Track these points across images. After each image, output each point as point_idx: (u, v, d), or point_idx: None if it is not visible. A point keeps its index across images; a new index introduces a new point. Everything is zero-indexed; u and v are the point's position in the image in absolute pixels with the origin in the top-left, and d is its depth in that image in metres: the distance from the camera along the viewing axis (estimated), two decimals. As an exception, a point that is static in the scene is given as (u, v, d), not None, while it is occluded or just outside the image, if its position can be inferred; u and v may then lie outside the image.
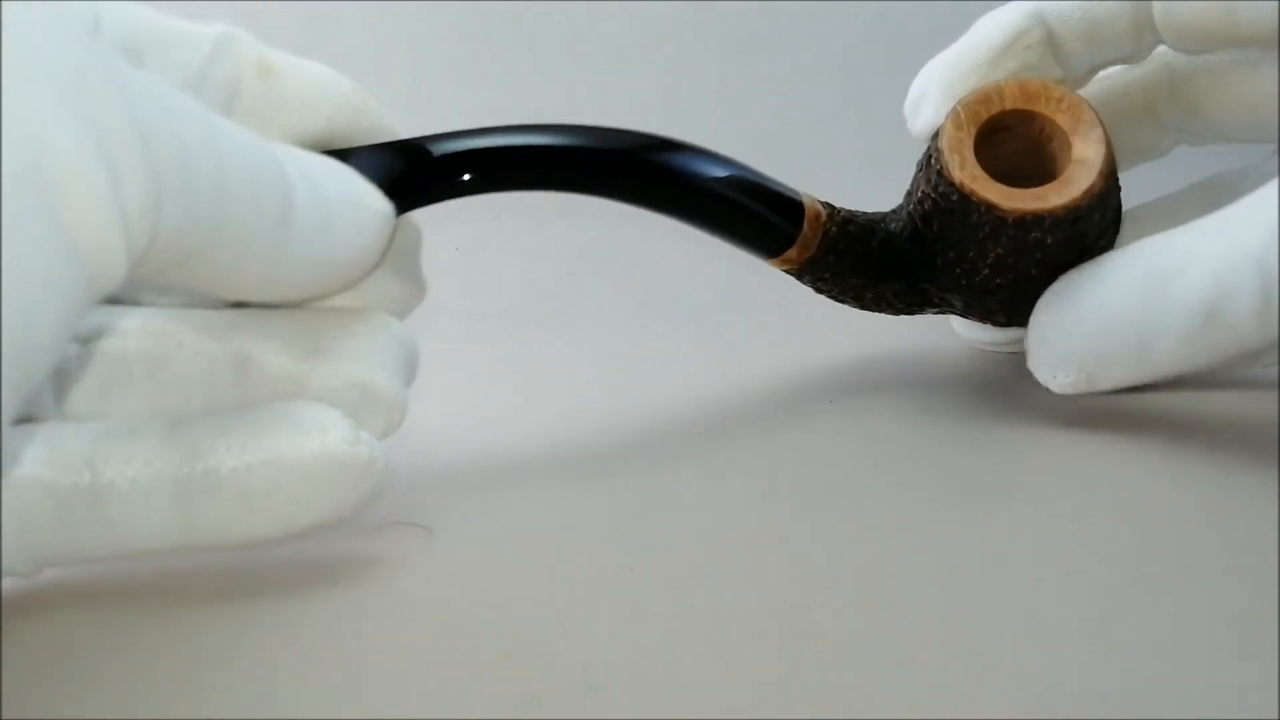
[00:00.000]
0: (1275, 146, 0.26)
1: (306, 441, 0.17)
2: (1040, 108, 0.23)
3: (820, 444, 0.25)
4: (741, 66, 0.44)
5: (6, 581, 0.18)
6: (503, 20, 0.44)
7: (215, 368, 0.19)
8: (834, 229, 0.25)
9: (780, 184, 0.24)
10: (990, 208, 0.23)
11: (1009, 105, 0.23)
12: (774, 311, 0.35)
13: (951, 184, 0.23)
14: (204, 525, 0.17)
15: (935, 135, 0.24)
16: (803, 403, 0.28)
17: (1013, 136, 0.24)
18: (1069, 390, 0.23)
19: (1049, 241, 0.23)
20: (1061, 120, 0.23)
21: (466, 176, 0.22)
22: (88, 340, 0.19)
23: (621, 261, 0.42)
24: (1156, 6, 0.23)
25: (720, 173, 0.23)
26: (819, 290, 0.26)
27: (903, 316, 0.28)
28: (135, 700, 0.16)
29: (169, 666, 0.17)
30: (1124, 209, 0.25)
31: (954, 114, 0.24)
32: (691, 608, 0.18)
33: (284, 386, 0.19)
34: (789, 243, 0.24)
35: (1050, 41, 0.24)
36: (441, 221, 0.44)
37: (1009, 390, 0.27)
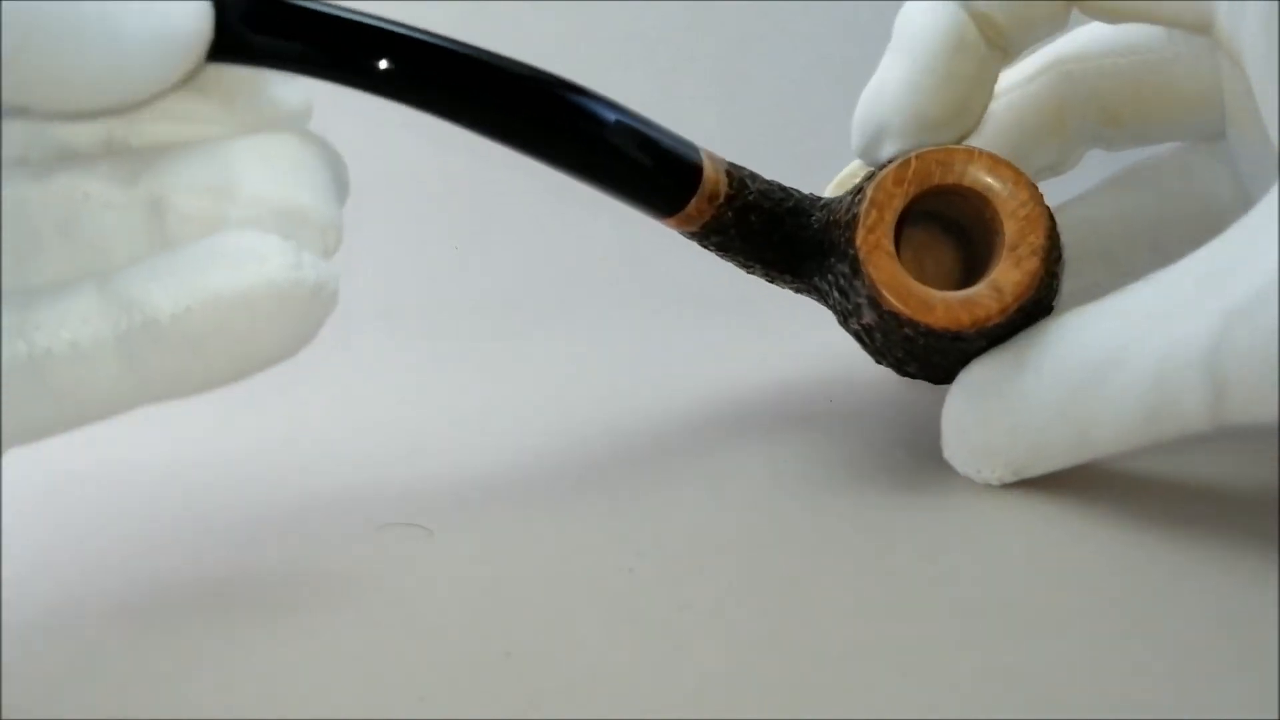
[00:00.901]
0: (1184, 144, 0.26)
1: (244, 274, 0.16)
2: (995, 204, 0.21)
3: (820, 444, 0.25)
4: (741, 66, 0.44)
5: (7, 580, 0.18)
6: (503, 20, 0.44)
7: (129, 218, 0.18)
8: (729, 213, 0.23)
9: (681, 144, 0.22)
10: (873, 286, 0.21)
11: (966, 184, 0.21)
12: (774, 311, 0.35)
13: (852, 240, 0.21)
14: (157, 378, 0.17)
15: (881, 167, 0.22)
16: (802, 402, 0.28)
17: (966, 204, 0.22)
18: (995, 483, 0.21)
19: (920, 344, 0.21)
20: (1009, 229, 0.21)
21: (294, 43, 0.18)
22: None
23: (622, 260, 0.42)
24: None
25: (610, 118, 0.21)
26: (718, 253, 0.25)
27: None
28: (135, 700, 0.16)
29: (169, 666, 0.17)
30: None
31: (904, 163, 0.21)
32: (691, 608, 0.18)
33: (205, 226, 0.17)
34: (675, 210, 0.22)
35: (987, 32, 0.22)
36: (442, 221, 0.44)
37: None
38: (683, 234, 0.24)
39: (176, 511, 0.23)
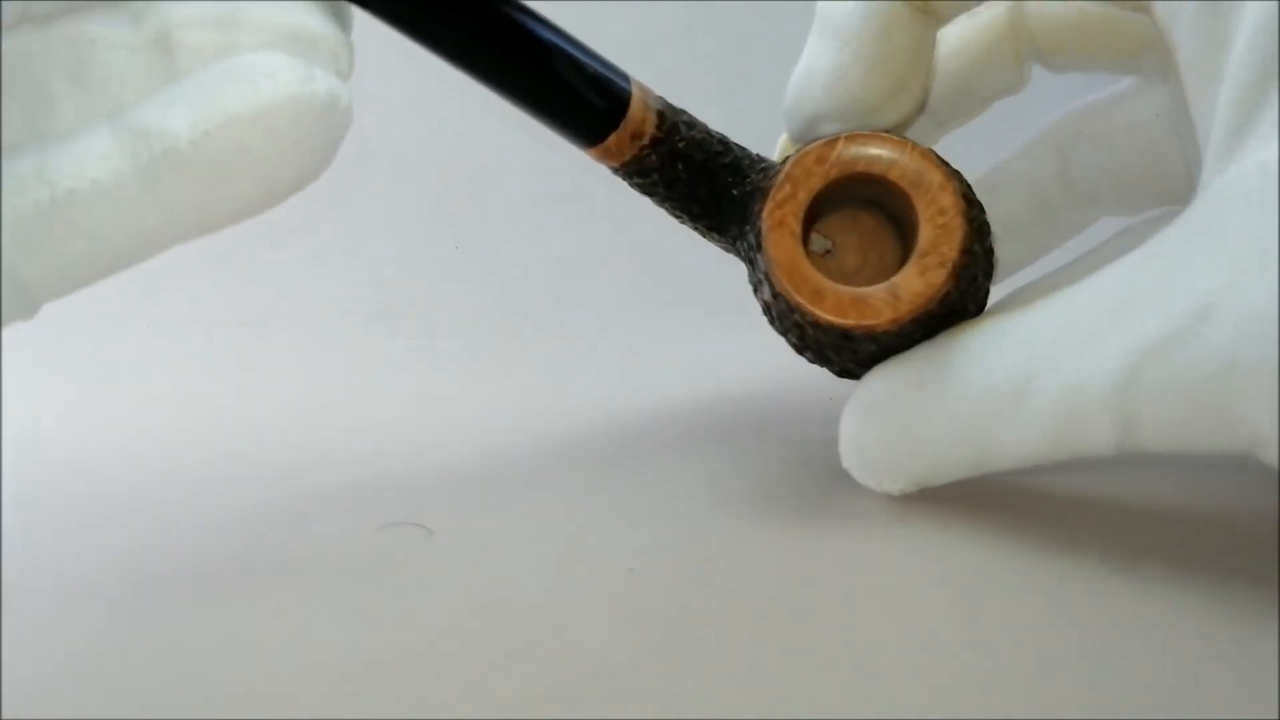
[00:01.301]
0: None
1: (259, 91, 0.16)
2: (918, 204, 0.20)
3: (820, 443, 0.25)
4: (741, 66, 0.44)
5: (7, 579, 0.18)
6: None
7: (138, 59, 0.17)
8: (654, 157, 0.21)
9: (614, 75, 0.21)
10: (770, 262, 0.20)
11: (893, 177, 0.20)
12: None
13: (761, 209, 0.20)
14: (185, 209, 0.16)
15: (798, 151, 0.21)
16: (802, 401, 0.28)
17: (891, 196, 0.21)
18: (896, 494, 0.21)
19: (810, 334, 0.21)
20: (924, 234, 0.20)
21: None
22: None
23: (621, 262, 0.42)
24: None
25: (542, 35, 0.20)
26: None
27: None
28: (135, 700, 0.16)
29: (169, 666, 0.17)
30: (1036, 278, 0.23)
31: (832, 142, 0.20)
32: (691, 607, 0.18)
33: (215, 58, 0.17)
34: (594, 142, 0.21)
35: (914, 6, 0.21)
36: (442, 220, 0.44)
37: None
38: (610, 169, 0.22)
39: (176, 511, 0.23)
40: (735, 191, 0.22)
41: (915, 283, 0.20)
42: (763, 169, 0.22)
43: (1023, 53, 0.25)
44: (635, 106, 0.21)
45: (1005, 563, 0.19)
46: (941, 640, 0.16)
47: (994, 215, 0.22)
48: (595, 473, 0.24)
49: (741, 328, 0.36)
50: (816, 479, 0.23)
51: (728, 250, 0.24)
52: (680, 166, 0.22)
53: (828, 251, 0.22)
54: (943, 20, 0.22)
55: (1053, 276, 0.27)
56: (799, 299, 0.20)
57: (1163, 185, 0.25)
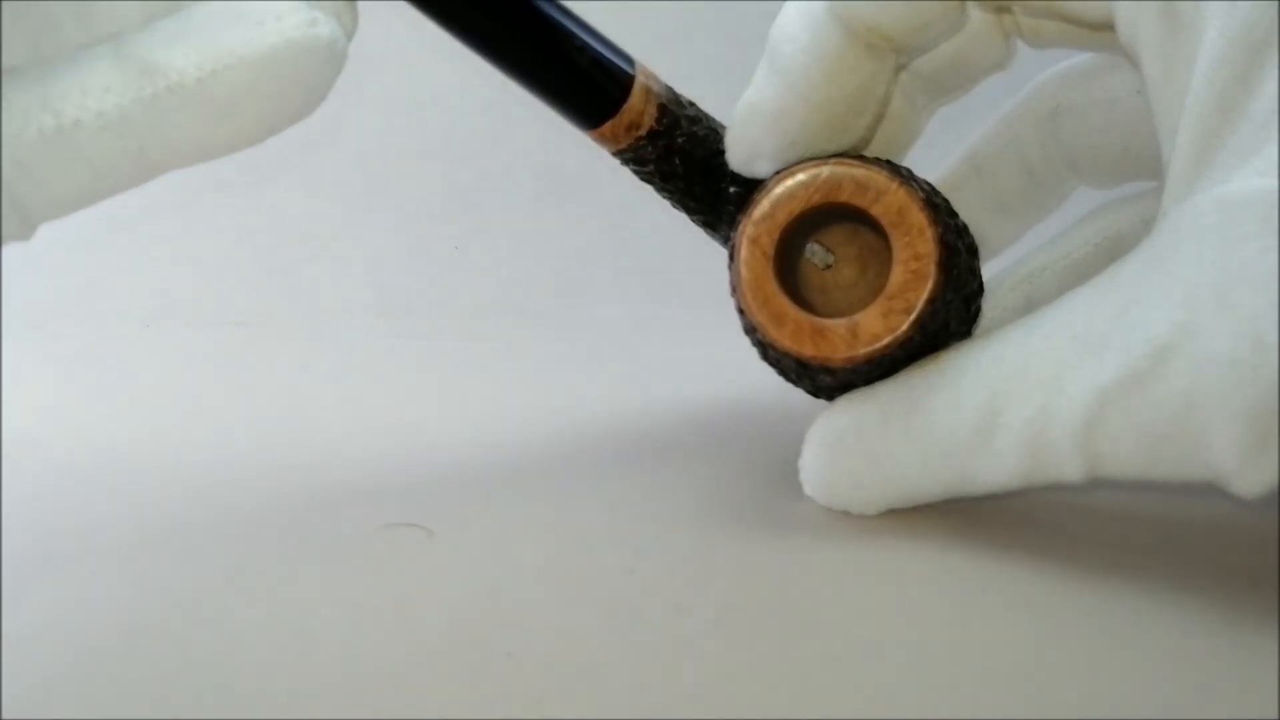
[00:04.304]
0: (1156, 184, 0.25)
1: (265, 34, 0.16)
2: (895, 240, 0.19)
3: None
4: (741, 66, 0.44)
5: (7, 580, 0.18)
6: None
7: (144, 4, 0.18)
8: (650, 149, 0.22)
9: (619, 61, 0.21)
10: (737, 278, 0.20)
11: (875, 211, 0.20)
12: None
13: (738, 222, 0.20)
14: (186, 141, 0.17)
15: (799, 162, 0.21)
16: (801, 401, 0.28)
17: (872, 226, 0.21)
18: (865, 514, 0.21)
19: (773, 355, 0.21)
20: (895, 274, 0.19)
21: None
22: None
23: (621, 260, 0.42)
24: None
25: (550, 14, 0.20)
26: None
27: None
28: (135, 700, 0.16)
29: (169, 666, 0.17)
30: (1024, 268, 0.23)
31: (819, 167, 0.20)
32: (691, 608, 0.18)
33: None
34: (591, 125, 0.21)
35: (870, 49, 0.20)
36: (441, 220, 0.44)
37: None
38: (620, 149, 0.22)
39: (176, 512, 0.23)
40: (731, 192, 0.22)
41: (876, 324, 0.19)
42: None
43: (1008, 28, 0.24)
44: (635, 98, 0.21)
45: (1000, 566, 0.19)
46: (939, 642, 0.16)
47: (982, 195, 0.22)
48: (595, 473, 0.24)
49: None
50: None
51: (724, 246, 0.24)
52: (677, 161, 0.22)
53: (829, 266, 0.21)
54: (903, 55, 0.21)
55: (1019, 266, 0.26)
56: (760, 319, 0.20)
57: (1141, 159, 0.25)
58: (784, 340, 0.20)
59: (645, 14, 0.43)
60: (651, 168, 0.22)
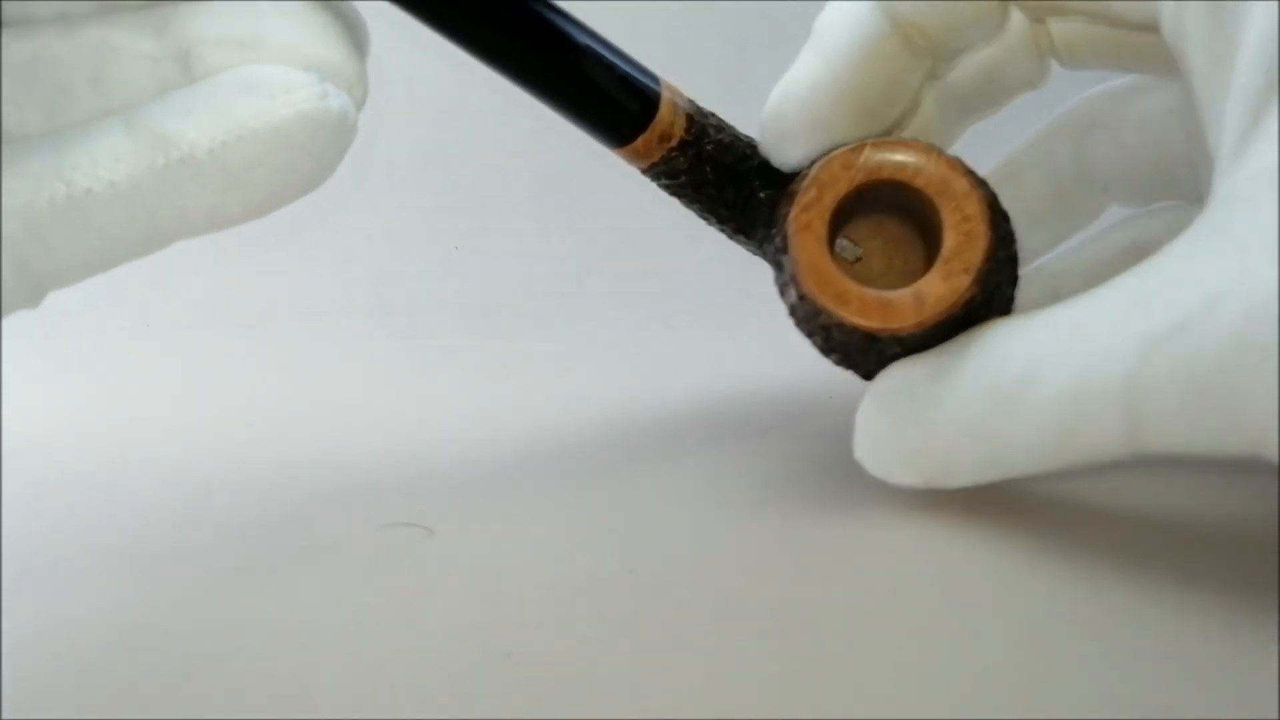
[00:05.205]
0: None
1: (276, 106, 0.17)
2: (942, 210, 0.20)
3: (819, 442, 0.25)
4: (741, 66, 0.44)
5: (7, 577, 0.19)
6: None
7: (158, 69, 0.18)
8: (681, 159, 0.22)
9: (643, 77, 0.21)
10: (794, 265, 0.20)
11: (918, 184, 0.20)
12: (773, 310, 0.35)
13: (786, 211, 0.21)
14: (197, 212, 0.17)
15: (837, 147, 0.21)
16: (802, 400, 0.28)
17: (919, 205, 0.21)
18: (909, 487, 0.21)
19: (836, 336, 0.21)
20: (948, 240, 0.20)
21: None
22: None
23: (621, 261, 0.42)
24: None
25: (576, 37, 0.20)
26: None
27: None
28: (135, 699, 0.16)
29: (169, 666, 0.17)
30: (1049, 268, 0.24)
31: (858, 148, 0.21)
32: (691, 608, 0.18)
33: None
34: (622, 142, 0.22)
35: (908, 42, 0.21)
36: (441, 221, 0.44)
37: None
38: (638, 170, 0.23)
39: (176, 512, 0.23)
40: (762, 194, 0.23)
41: (939, 287, 0.20)
42: (790, 173, 0.22)
43: (1043, 47, 0.25)
44: (664, 109, 0.21)
45: (1006, 564, 0.19)
46: (943, 642, 0.16)
47: (1013, 204, 0.23)
48: (595, 473, 0.24)
49: (742, 328, 0.36)
50: (818, 480, 0.23)
51: (754, 253, 0.24)
52: (708, 169, 0.22)
53: (858, 259, 0.22)
54: (938, 62, 0.22)
55: (1046, 265, 0.27)
56: (824, 302, 0.20)
57: (1172, 180, 0.25)
58: (852, 317, 0.20)
59: (645, 14, 0.43)
60: (683, 178, 0.22)
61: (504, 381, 0.32)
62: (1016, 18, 0.24)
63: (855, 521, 0.21)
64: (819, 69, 0.21)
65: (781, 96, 0.22)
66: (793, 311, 0.22)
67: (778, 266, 0.22)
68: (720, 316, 0.37)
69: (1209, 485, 0.21)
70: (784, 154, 0.22)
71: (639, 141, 0.21)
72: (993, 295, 0.20)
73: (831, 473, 0.23)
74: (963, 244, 0.20)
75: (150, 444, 0.29)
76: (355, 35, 0.19)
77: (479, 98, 0.42)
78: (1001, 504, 0.21)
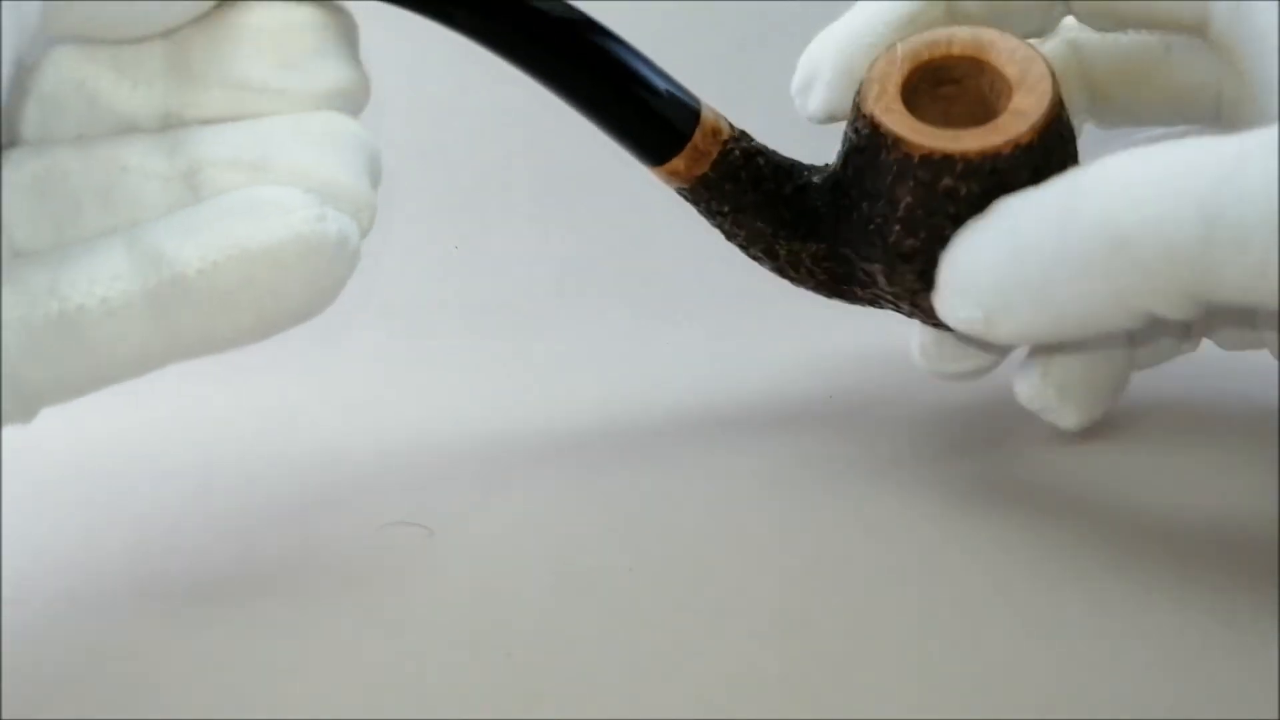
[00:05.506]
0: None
1: (271, 226, 0.16)
2: (989, 57, 0.21)
3: (819, 442, 0.25)
4: (741, 66, 0.44)
5: (7, 578, 0.19)
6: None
7: (168, 189, 0.18)
8: (736, 151, 0.22)
9: (682, 88, 0.22)
10: (897, 142, 0.20)
11: (956, 50, 0.21)
12: (773, 310, 0.35)
13: (862, 115, 0.21)
14: (188, 333, 0.17)
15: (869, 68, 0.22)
16: (801, 401, 0.28)
17: (964, 93, 0.21)
18: (967, 331, 0.20)
19: (962, 192, 0.20)
20: (1010, 72, 0.20)
21: None
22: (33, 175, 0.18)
23: (621, 261, 0.42)
24: None
25: (619, 57, 0.21)
26: (721, 228, 0.24)
27: (869, 309, 0.25)
28: (135, 699, 0.16)
29: (169, 666, 0.17)
30: None
31: (891, 49, 0.21)
32: (691, 607, 0.18)
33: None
34: (676, 147, 0.22)
35: (952, 16, 0.22)
36: (442, 220, 0.44)
37: (1007, 393, 0.27)
38: (684, 195, 0.23)
39: (177, 511, 0.23)
40: (816, 179, 0.23)
41: (1028, 99, 0.20)
42: (818, 167, 0.23)
43: (1076, 100, 0.25)
44: (706, 111, 0.22)
45: (1006, 564, 0.19)
46: (941, 642, 0.16)
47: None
48: (595, 472, 0.24)
49: (742, 328, 0.36)
50: (816, 479, 0.23)
51: (817, 260, 0.23)
52: (761, 161, 0.22)
53: None
54: None
55: None
56: (942, 147, 0.20)
57: (1162, 98, 0.24)
58: (975, 147, 0.20)
59: (645, 14, 0.43)
60: (741, 175, 0.22)
61: (504, 381, 0.32)
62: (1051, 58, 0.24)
63: (855, 521, 0.21)
64: (859, 22, 0.22)
65: (819, 40, 0.23)
66: (908, 228, 0.21)
67: (871, 200, 0.21)
68: (720, 316, 0.37)
69: (1209, 485, 0.21)
70: (806, 99, 0.23)
71: (696, 137, 0.22)
72: (1061, 131, 0.20)
73: (831, 472, 0.23)
74: (1025, 66, 0.20)
75: (150, 444, 0.29)
76: (368, 162, 0.19)
77: (479, 98, 0.42)
78: (1002, 504, 0.21)
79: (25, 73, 0.18)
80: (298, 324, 0.17)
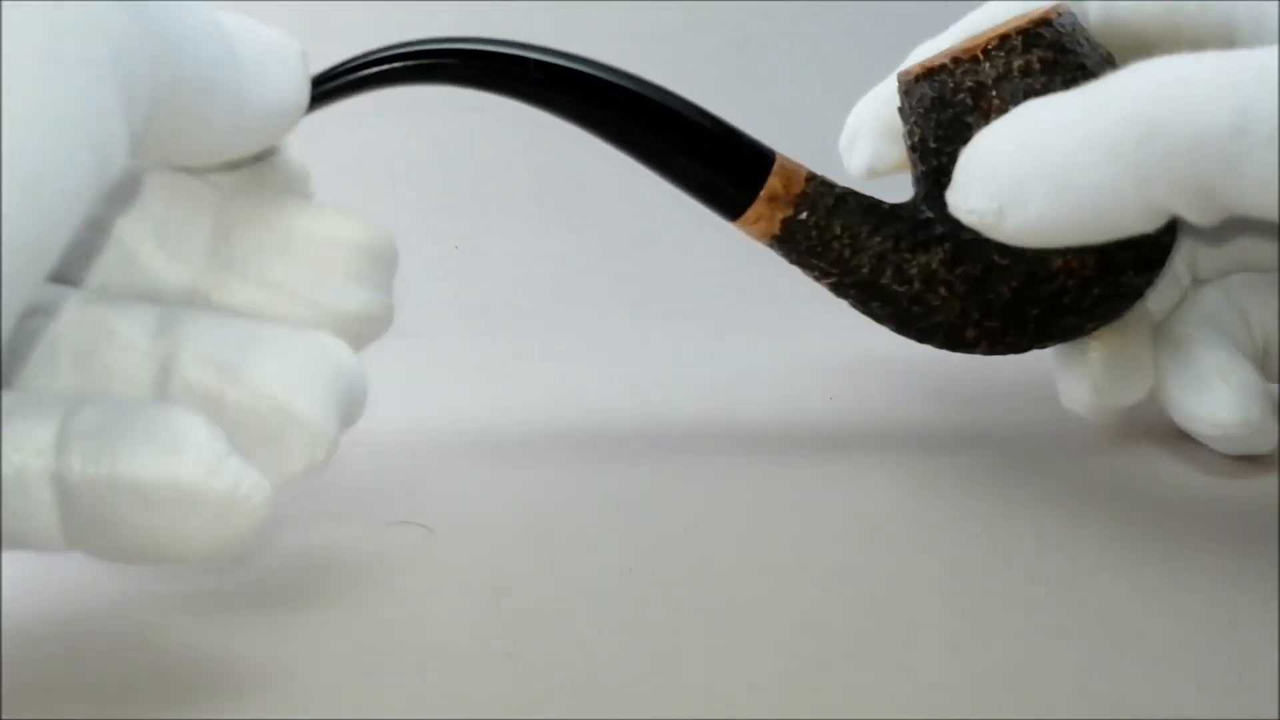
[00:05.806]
0: None
1: (153, 463, 0.15)
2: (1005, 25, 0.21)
3: (819, 442, 0.25)
4: (741, 66, 0.44)
5: (7, 577, 0.18)
6: (502, 20, 0.44)
7: (142, 367, 0.17)
8: (817, 185, 0.22)
9: (750, 138, 0.22)
10: (955, 61, 0.21)
11: (1035, 14, 0.21)
12: (773, 310, 0.35)
13: (912, 85, 0.22)
14: (78, 535, 0.15)
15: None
16: (802, 401, 0.28)
17: None
18: (975, 224, 0.19)
19: (1036, 65, 0.20)
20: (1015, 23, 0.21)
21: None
22: (26, 315, 0.17)
23: (621, 261, 0.42)
24: (1093, 7, 0.21)
25: (686, 114, 0.22)
26: (838, 270, 0.23)
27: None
28: (136, 700, 0.16)
29: (169, 666, 0.17)
30: None
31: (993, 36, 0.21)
32: (691, 607, 0.18)
33: (200, 399, 0.17)
34: (750, 196, 0.22)
35: None
36: (442, 220, 0.44)
37: (1014, 391, 0.27)
38: (776, 234, 0.22)
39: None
40: (905, 200, 0.22)
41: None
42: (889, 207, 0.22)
43: None
44: (778, 159, 0.22)
45: (1006, 563, 0.19)
46: (940, 642, 0.16)
47: None
48: (595, 472, 0.24)
49: (742, 328, 0.36)
50: (816, 479, 0.23)
51: (947, 258, 0.22)
52: (841, 190, 0.22)
53: None
54: None
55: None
56: (992, 33, 0.21)
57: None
58: (1023, 23, 0.21)
59: (645, 14, 0.43)
60: (831, 198, 0.22)
61: (504, 381, 0.32)
62: None
63: (854, 521, 0.21)
64: (893, 86, 0.23)
65: (861, 103, 0.25)
66: (996, 93, 0.21)
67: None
68: (720, 316, 0.37)
69: (1209, 484, 0.21)
70: (852, 154, 0.25)
71: (776, 165, 0.22)
72: (1074, 33, 0.21)
73: (831, 472, 0.23)
74: None
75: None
76: (343, 396, 0.18)
77: (479, 97, 0.42)
78: (1002, 504, 0.21)
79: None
80: (188, 562, 0.16)
